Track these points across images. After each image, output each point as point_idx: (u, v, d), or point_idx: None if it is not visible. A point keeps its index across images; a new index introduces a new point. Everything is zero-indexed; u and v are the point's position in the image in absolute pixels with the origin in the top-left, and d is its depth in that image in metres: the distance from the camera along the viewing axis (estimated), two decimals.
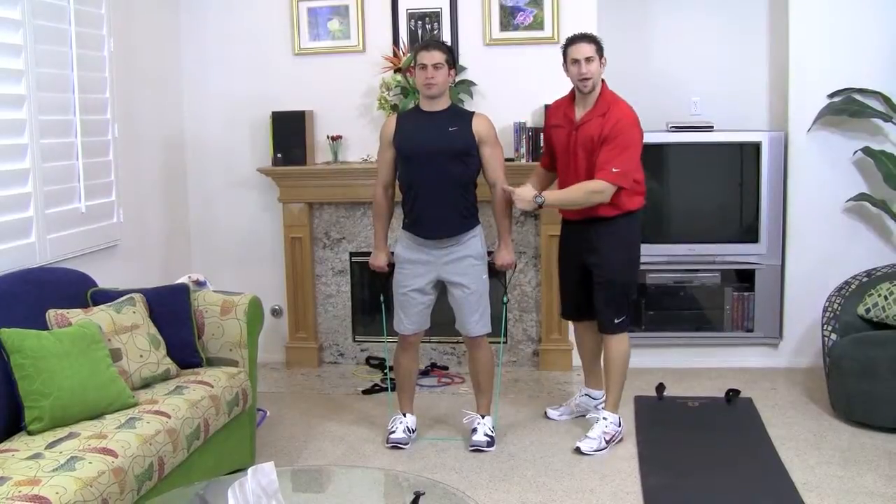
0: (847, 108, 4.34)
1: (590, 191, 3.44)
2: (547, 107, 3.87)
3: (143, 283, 3.56)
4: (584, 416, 3.89)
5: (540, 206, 3.49)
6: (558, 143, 3.62)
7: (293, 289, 4.78)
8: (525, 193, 3.48)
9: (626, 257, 3.59)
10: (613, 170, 3.40)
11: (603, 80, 3.52)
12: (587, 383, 3.98)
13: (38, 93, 3.37)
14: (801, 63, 4.47)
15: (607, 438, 3.60)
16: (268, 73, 4.76)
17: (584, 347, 3.95)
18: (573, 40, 3.50)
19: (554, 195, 3.55)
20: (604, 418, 3.65)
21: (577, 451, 3.55)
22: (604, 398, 3.80)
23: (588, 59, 3.43)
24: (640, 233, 3.64)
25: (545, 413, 3.99)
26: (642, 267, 4.52)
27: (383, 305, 3.82)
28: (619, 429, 3.65)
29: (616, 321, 3.60)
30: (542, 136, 4.30)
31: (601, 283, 3.59)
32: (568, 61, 3.50)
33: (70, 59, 3.62)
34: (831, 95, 4.42)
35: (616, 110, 3.46)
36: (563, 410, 3.97)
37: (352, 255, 4.80)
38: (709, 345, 4.71)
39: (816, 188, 4.51)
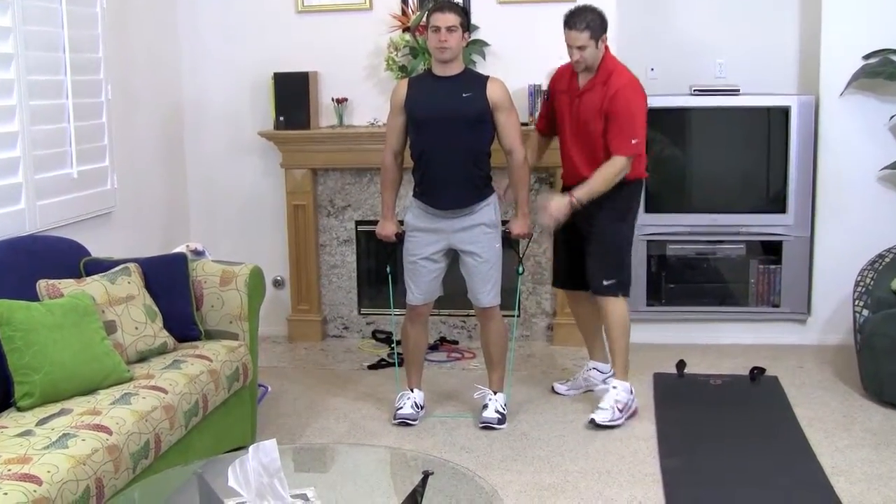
0: (883, 70, 4.23)
1: (614, 173, 3.47)
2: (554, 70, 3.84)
3: (139, 253, 3.52)
4: (593, 391, 3.87)
5: (577, 206, 3.47)
6: (561, 109, 3.63)
7: (296, 259, 4.75)
8: (559, 204, 3.46)
9: (620, 222, 3.59)
10: (633, 141, 3.45)
11: (606, 46, 3.49)
12: (592, 356, 3.97)
13: (27, 52, 3.31)
14: (834, 22, 4.36)
15: (620, 407, 3.58)
16: (269, 32, 4.67)
17: (580, 319, 3.96)
18: (566, 23, 3.44)
19: (584, 191, 3.51)
20: (613, 387, 3.63)
21: (592, 422, 3.53)
22: (612, 371, 3.78)
23: (580, 48, 3.42)
24: (637, 203, 3.68)
25: (552, 388, 3.97)
26: (663, 238, 4.59)
27: (390, 276, 3.79)
28: (632, 397, 3.64)
29: (605, 283, 3.58)
30: (541, 98, 4.28)
31: (592, 241, 3.60)
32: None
33: (60, 16, 3.54)
34: (866, 57, 4.31)
35: (616, 79, 3.46)
36: (571, 385, 3.96)
37: (358, 223, 4.75)
38: (732, 320, 4.66)
39: (849, 155, 4.43)
